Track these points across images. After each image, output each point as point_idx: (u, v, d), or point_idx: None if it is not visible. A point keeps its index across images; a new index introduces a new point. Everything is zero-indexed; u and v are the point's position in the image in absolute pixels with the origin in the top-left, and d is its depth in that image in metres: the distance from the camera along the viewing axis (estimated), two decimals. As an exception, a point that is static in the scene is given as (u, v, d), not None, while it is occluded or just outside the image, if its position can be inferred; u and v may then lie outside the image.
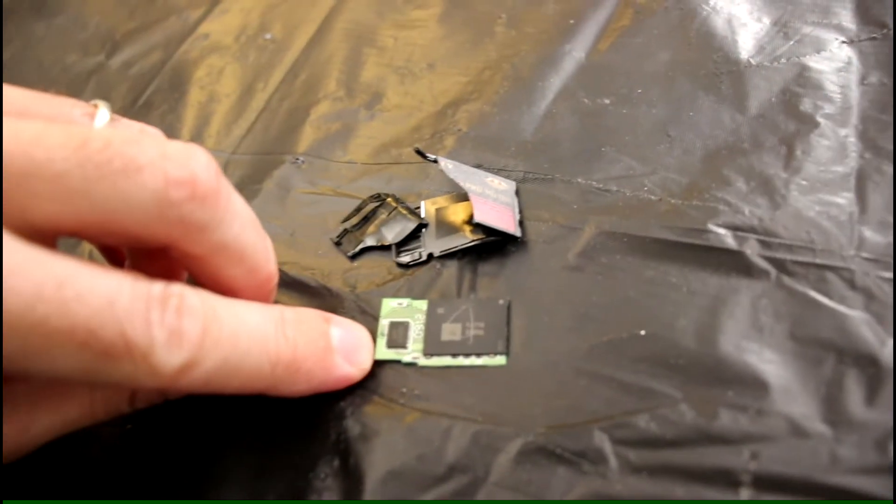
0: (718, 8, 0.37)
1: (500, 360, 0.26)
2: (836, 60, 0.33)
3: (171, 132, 0.39)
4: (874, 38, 0.34)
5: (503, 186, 0.31)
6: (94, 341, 0.20)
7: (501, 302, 0.28)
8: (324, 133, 0.37)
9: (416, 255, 0.30)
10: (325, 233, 0.32)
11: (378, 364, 0.27)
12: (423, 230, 0.31)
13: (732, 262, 0.27)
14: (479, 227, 0.29)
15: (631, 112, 0.34)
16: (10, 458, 0.24)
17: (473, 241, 0.29)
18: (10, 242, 0.19)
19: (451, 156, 0.34)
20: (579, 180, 0.31)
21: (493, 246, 0.30)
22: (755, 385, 0.24)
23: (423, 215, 0.31)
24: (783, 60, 0.34)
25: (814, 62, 0.33)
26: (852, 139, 0.30)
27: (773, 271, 0.26)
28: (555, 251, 0.29)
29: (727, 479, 0.22)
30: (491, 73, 0.38)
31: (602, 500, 0.23)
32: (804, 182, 0.29)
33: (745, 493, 0.22)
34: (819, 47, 0.34)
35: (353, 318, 0.28)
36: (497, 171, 0.33)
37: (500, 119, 0.35)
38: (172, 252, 0.23)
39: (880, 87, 0.32)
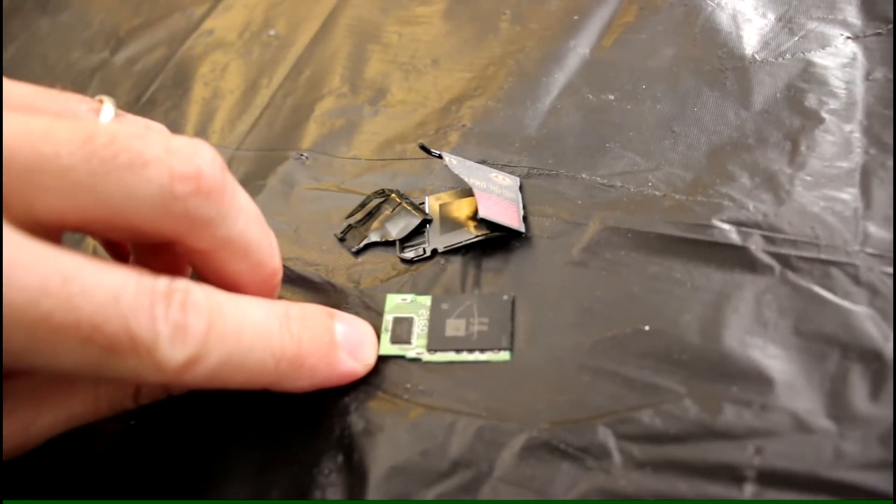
0: (723, 4, 0.37)
1: (504, 355, 0.26)
2: (840, 56, 0.33)
3: (175, 129, 0.39)
4: (879, 34, 0.34)
5: (507, 182, 0.31)
6: (99, 336, 0.20)
7: (505, 297, 0.28)
8: (328, 129, 0.37)
9: (420, 251, 0.30)
10: (329, 229, 0.32)
11: (382, 360, 0.27)
12: (428, 226, 0.31)
13: (736, 258, 0.27)
14: (483, 223, 0.29)
15: (635, 108, 0.34)
16: (13, 455, 0.24)
17: (477, 236, 0.29)
18: (15, 237, 0.19)
19: (456, 151, 0.34)
20: (583, 176, 0.31)
21: (497, 241, 0.30)
22: (759, 380, 0.24)
23: (427, 211, 0.31)
24: (788, 56, 0.34)
25: (818, 58, 0.33)
26: (857, 135, 0.30)
27: (777, 267, 0.26)
28: (559, 247, 0.29)
29: (731, 474, 0.22)
30: (495, 69, 0.38)
31: (606, 495, 0.23)
32: (809, 178, 0.29)
33: (749, 489, 0.22)
34: (824, 43, 0.34)
35: (357, 313, 0.28)
36: (501, 167, 0.33)
37: (505, 115, 0.35)
38: (177, 247, 0.23)
39: (885, 82, 0.31)
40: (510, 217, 0.29)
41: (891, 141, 0.29)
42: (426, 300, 0.28)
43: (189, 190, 0.21)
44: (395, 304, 0.28)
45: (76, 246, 0.34)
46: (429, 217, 0.31)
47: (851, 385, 0.23)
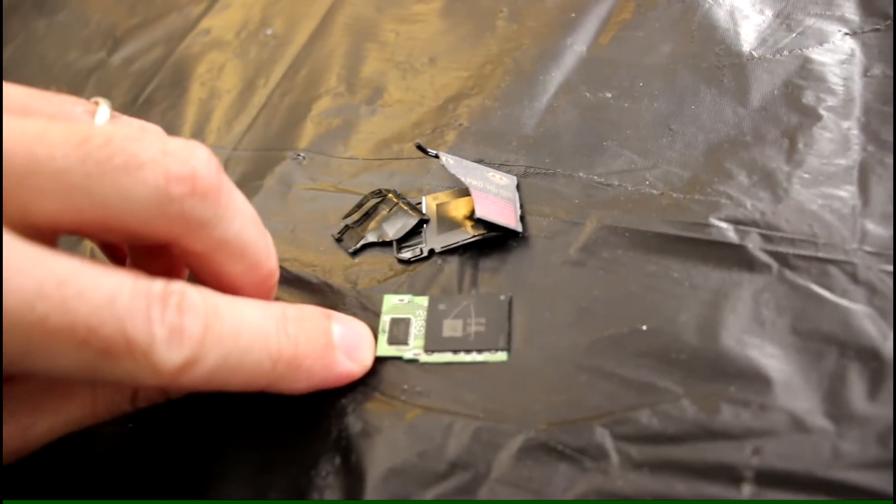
0: (721, 0, 0.37)
1: (501, 356, 0.26)
2: (838, 52, 0.33)
3: (173, 129, 0.39)
4: (877, 30, 0.33)
5: (504, 181, 0.31)
6: (95, 339, 0.20)
7: (503, 297, 0.28)
8: (325, 129, 0.37)
9: (418, 251, 0.30)
10: (326, 229, 0.32)
11: (379, 361, 0.27)
12: (425, 226, 0.31)
13: (734, 256, 0.27)
14: (480, 223, 0.29)
15: (632, 106, 0.34)
16: (12, 459, 0.24)
17: (474, 236, 0.29)
18: (11, 241, 0.19)
19: (453, 151, 0.34)
20: (581, 175, 0.31)
21: (494, 241, 0.30)
22: (757, 380, 0.24)
23: (424, 211, 0.31)
24: (786, 53, 0.34)
25: (816, 54, 0.33)
26: (855, 132, 0.30)
27: (774, 265, 0.26)
28: (556, 246, 0.29)
29: (729, 474, 0.22)
30: (492, 67, 0.38)
31: (603, 496, 0.22)
32: (806, 175, 0.29)
33: (747, 489, 0.22)
34: (822, 39, 0.34)
35: (354, 314, 0.28)
36: (498, 166, 0.33)
37: (502, 113, 0.35)
38: (174, 249, 0.23)
39: (883, 79, 0.31)
40: (507, 217, 0.29)
41: (889, 138, 0.29)
42: (423, 301, 0.28)
43: (185, 191, 0.21)
44: (392, 304, 0.28)
45: (73, 248, 0.34)
46: (426, 217, 0.31)
47: (850, 384, 0.23)
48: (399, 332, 0.28)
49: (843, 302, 0.25)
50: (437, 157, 0.31)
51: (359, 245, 0.31)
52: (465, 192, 0.31)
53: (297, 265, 0.31)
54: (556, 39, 0.38)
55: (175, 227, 0.22)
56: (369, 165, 0.35)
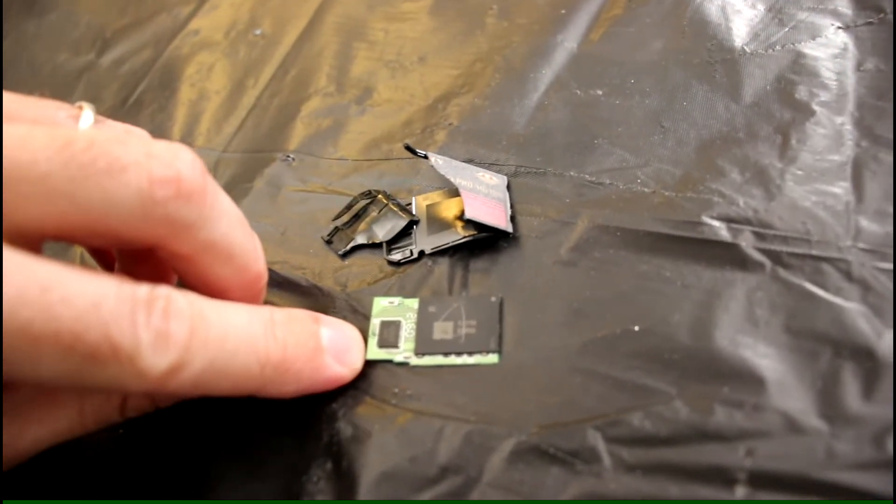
0: (712, -5, 0.37)
1: (492, 358, 0.26)
2: (831, 47, 0.33)
3: (162, 130, 0.39)
4: (870, 24, 0.33)
5: (494, 181, 0.31)
6: (80, 344, 0.19)
7: (493, 299, 0.27)
8: (314, 129, 0.37)
9: (408, 253, 0.30)
10: (316, 231, 0.32)
11: (369, 364, 0.27)
12: (414, 227, 0.30)
13: (727, 255, 0.27)
14: (470, 223, 0.29)
15: (624, 103, 0.33)
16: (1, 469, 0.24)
17: (465, 237, 0.29)
18: None
19: (443, 150, 0.33)
20: (572, 173, 0.31)
21: (484, 242, 0.29)
22: (751, 380, 0.23)
23: (414, 212, 0.31)
24: (778, 47, 0.33)
25: (809, 49, 0.33)
26: (848, 127, 0.29)
27: (768, 263, 0.26)
28: (547, 246, 0.29)
29: (722, 476, 0.22)
30: (482, 65, 0.37)
31: (596, 499, 0.22)
32: (800, 172, 0.28)
33: (740, 491, 0.21)
34: (814, 33, 0.33)
35: (344, 317, 0.28)
36: (489, 166, 0.32)
37: (492, 112, 0.35)
38: (160, 252, 0.23)
39: (877, 73, 0.31)
40: (497, 217, 0.29)
41: (882, 133, 0.29)
42: (413, 303, 0.28)
43: (169, 194, 0.21)
44: (383, 307, 0.28)
45: (63, 253, 0.33)
46: (416, 218, 0.31)
47: (844, 384, 0.23)
48: (389, 334, 0.27)
49: (837, 300, 0.25)
50: (425, 157, 0.31)
51: (348, 247, 0.31)
52: (455, 192, 0.31)
53: (287, 268, 0.31)
54: (546, 36, 0.37)
55: (160, 230, 0.22)
56: (359, 166, 0.34)
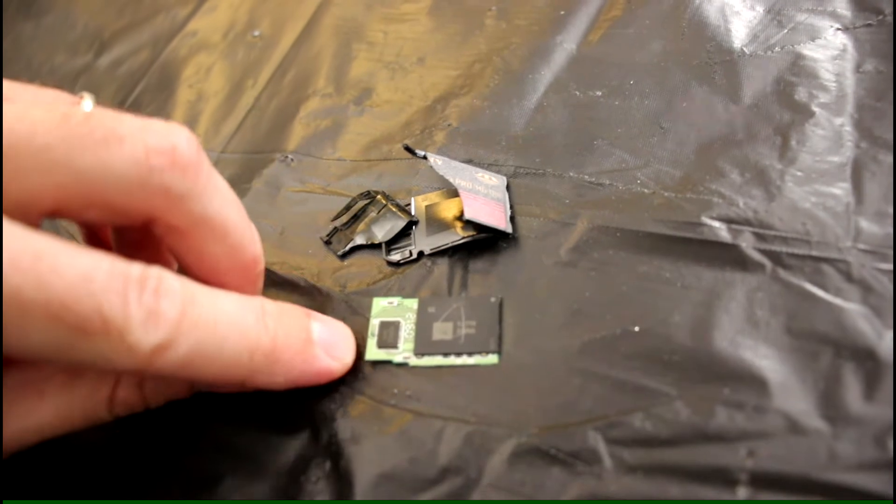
0: (711, -4, 0.37)
1: (492, 358, 0.26)
2: (830, 48, 0.33)
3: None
4: (870, 25, 0.33)
5: (494, 182, 0.31)
6: (69, 315, 0.20)
7: (493, 299, 0.27)
8: (313, 130, 0.37)
9: (407, 254, 0.30)
10: (314, 231, 0.32)
11: (369, 365, 0.27)
12: (414, 228, 0.30)
13: (727, 256, 0.27)
14: (469, 224, 0.29)
15: (623, 104, 0.33)
16: None
17: (464, 238, 0.29)
18: None
19: (442, 151, 0.33)
20: (571, 174, 0.31)
21: (484, 242, 0.29)
22: (751, 381, 0.23)
23: (413, 212, 0.31)
24: (777, 49, 0.33)
25: (808, 50, 0.33)
26: (848, 128, 0.29)
27: (768, 264, 0.26)
28: (547, 247, 0.29)
29: (724, 478, 0.22)
30: (481, 66, 0.37)
31: (597, 500, 0.22)
32: (799, 173, 0.28)
33: (742, 493, 0.21)
34: (813, 35, 0.33)
35: (343, 318, 0.28)
36: (488, 166, 0.32)
37: (491, 113, 0.35)
38: (156, 228, 0.23)
39: (876, 74, 0.31)
40: (497, 218, 0.29)
41: (882, 134, 0.29)
42: (413, 303, 0.28)
43: (164, 163, 0.22)
44: (382, 307, 0.28)
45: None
46: (415, 219, 0.30)
47: (845, 384, 0.23)
48: (388, 335, 0.27)
49: (838, 301, 0.25)
50: (424, 157, 0.31)
51: (347, 248, 0.31)
52: (454, 192, 0.31)
53: (286, 268, 0.31)
54: (545, 37, 0.37)
55: (156, 200, 0.22)
56: (358, 167, 0.34)
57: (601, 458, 0.23)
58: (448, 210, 0.30)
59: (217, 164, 0.36)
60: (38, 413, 0.24)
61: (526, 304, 0.27)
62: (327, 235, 0.31)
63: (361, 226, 0.31)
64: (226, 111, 0.39)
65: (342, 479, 0.24)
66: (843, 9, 0.34)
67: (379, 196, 0.32)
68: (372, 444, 0.25)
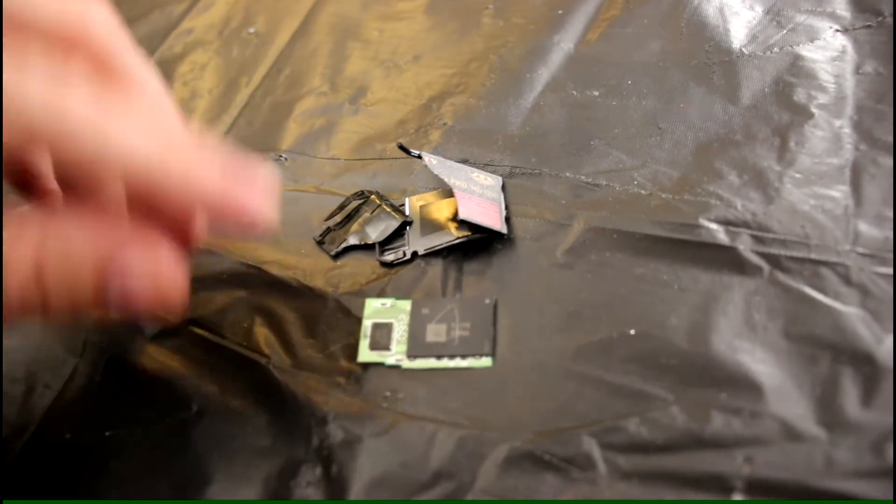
0: (710, -4, 0.36)
1: (486, 361, 0.26)
2: (830, 49, 0.32)
3: (153, 129, 0.39)
4: (869, 27, 0.33)
5: (489, 182, 0.31)
6: None
7: (487, 301, 0.27)
8: (307, 129, 0.36)
9: (400, 254, 0.29)
10: (308, 231, 0.31)
11: (361, 366, 0.26)
12: (408, 228, 0.30)
13: (725, 258, 0.26)
14: (464, 224, 0.29)
15: (621, 104, 0.33)
16: None
17: (458, 238, 0.29)
18: None
19: (437, 150, 0.33)
20: (568, 175, 0.31)
21: (479, 243, 0.29)
22: (748, 386, 0.23)
23: (407, 212, 0.31)
24: (776, 49, 0.33)
25: (807, 51, 0.33)
26: (847, 130, 0.29)
27: (766, 267, 0.26)
28: (542, 248, 0.28)
29: (720, 484, 0.21)
30: (478, 64, 0.37)
31: (591, 507, 0.22)
32: (798, 175, 0.28)
33: (738, 500, 0.21)
34: (813, 36, 0.33)
35: (335, 319, 0.28)
36: (483, 166, 0.32)
37: (487, 112, 0.34)
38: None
39: (876, 76, 0.31)
40: (492, 218, 0.29)
41: (881, 136, 0.28)
42: (406, 305, 0.28)
43: None
44: (375, 308, 0.28)
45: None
46: (409, 219, 0.30)
47: (843, 390, 0.23)
48: (381, 337, 0.27)
49: (836, 304, 0.24)
50: (419, 157, 0.30)
51: (341, 248, 0.30)
52: (449, 192, 0.30)
53: (278, 268, 0.30)
54: (543, 36, 0.37)
55: None
56: (352, 166, 0.34)
57: (596, 464, 0.23)
58: (442, 210, 0.30)
59: (210, 162, 0.36)
60: None
61: (521, 306, 0.27)
62: (320, 235, 0.31)
63: (355, 226, 0.31)
64: (220, 109, 0.39)
65: (333, 484, 0.24)
66: (843, 10, 0.34)
67: (373, 196, 0.31)
68: (363, 448, 0.24)
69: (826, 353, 0.23)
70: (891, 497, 0.20)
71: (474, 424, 0.24)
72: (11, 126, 0.20)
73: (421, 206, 0.31)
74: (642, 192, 0.29)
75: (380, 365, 0.26)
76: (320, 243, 0.31)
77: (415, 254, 0.29)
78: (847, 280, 0.25)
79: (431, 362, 0.26)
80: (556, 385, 0.25)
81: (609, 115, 0.33)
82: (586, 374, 0.25)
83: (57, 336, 0.29)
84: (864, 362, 0.23)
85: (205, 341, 0.28)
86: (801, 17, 0.34)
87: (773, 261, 0.26)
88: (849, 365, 0.23)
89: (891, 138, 0.28)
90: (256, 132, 0.37)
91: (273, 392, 0.26)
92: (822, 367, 0.23)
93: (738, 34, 0.34)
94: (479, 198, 0.29)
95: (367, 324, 0.27)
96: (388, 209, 0.31)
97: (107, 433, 0.26)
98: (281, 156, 0.35)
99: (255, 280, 0.30)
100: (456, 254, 0.29)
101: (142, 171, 0.21)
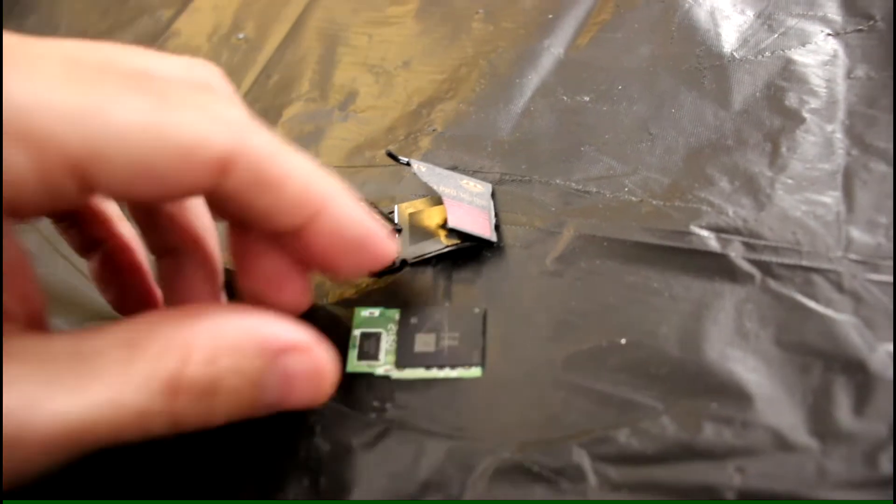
0: (701, 0, 0.36)
1: (475, 371, 0.25)
2: (821, 53, 0.32)
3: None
4: (860, 31, 0.33)
5: (479, 189, 0.30)
6: None
7: (477, 310, 0.27)
8: (296, 135, 0.36)
9: (389, 263, 0.29)
10: (296, 239, 0.31)
11: (349, 377, 0.26)
12: (397, 236, 0.30)
13: (716, 266, 0.26)
14: (453, 232, 0.28)
15: (611, 109, 0.33)
16: (16, 471, 0.19)
17: (448, 246, 0.28)
18: None
19: (426, 157, 0.33)
20: (558, 181, 0.30)
21: (468, 251, 0.29)
22: (740, 395, 0.23)
23: (396, 220, 0.30)
24: (767, 54, 0.33)
25: (799, 55, 0.32)
26: (839, 135, 0.29)
27: (757, 274, 0.25)
28: (532, 256, 0.28)
29: (711, 495, 0.21)
30: (467, 70, 0.37)
31: (581, 519, 0.22)
32: (790, 180, 0.28)
33: (729, 511, 0.21)
34: (804, 40, 0.33)
35: (324, 328, 0.27)
36: (473, 173, 0.32)
37: (477, 118, 0.34)
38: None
39: (867, 80, 0.31)
40: (481, 226, 0.28)
41: (873, 141, 0.28)
42: (395, 314, 0.27)
43: None
44: (363, 318, 0.27)
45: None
46: (398, 227, 0.30)
47: (835, 399, 0.22)
48: (370, 346, 0.27)
49: (829, 312, 0.24)
50: (408, 164, 0.30)
51: (329, 256, 0.30)
52: (438, 200, 0.30)
53: (266, 277, 0.30)
54: (533, 41, 0.37)
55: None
56: (341, 173, 0.33)
57: (586, 476, 0.22)
58: (432, 218, 0.30)
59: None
60: (89, 391, 0.19)
61: (510, 315, 0.27)
62: (309, 243, 0.31)
63: (343, 234, 0.30)
64: (208, 115, 0.39)
65: (321, 496, 0.24)
66: (834, 14, 0.34)
67: (362, 203, 0.31)
68: (351, 460, 0.24)
69: (818, 361, 0.23)
70: (884, 508, 0.20)
71: (463, 435, 0.24)
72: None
73: (410, 214, 0.30)
74: (633, 198, 0.29)
75: (368, 375, 0.26)
76: (308, 251, 0.30)
77: (404, 262, 0.29)
78: (839, 287, 0.25)
79: (420, 372, 0.26)
80: (545, 395, 0.24)
81: (599, 120, 0.32)
82: (576, 384, 0.24)
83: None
84: (856, 370, 0.23)
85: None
86: (792, 21, 0.34)
87: (765, 268, 0.25)
88: (841, 373, 0.23)
89: (882, 143, 0.28)
90: (245, 139, 0.37)
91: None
92: (814, 376, 0.23)
93: (729, 38, 0.34)
94: (468, 205, 0.29)
95: (355, 333, 0.27)
96: (378, 217, 0.30)
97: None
98: (269, 163, 0.35)
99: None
100: (445, 262, 0.29)
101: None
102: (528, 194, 0.30)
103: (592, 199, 0.29)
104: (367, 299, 0.28)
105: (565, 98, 0.34)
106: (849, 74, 0.31)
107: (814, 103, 0.30)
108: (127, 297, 0.28)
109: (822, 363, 0.23)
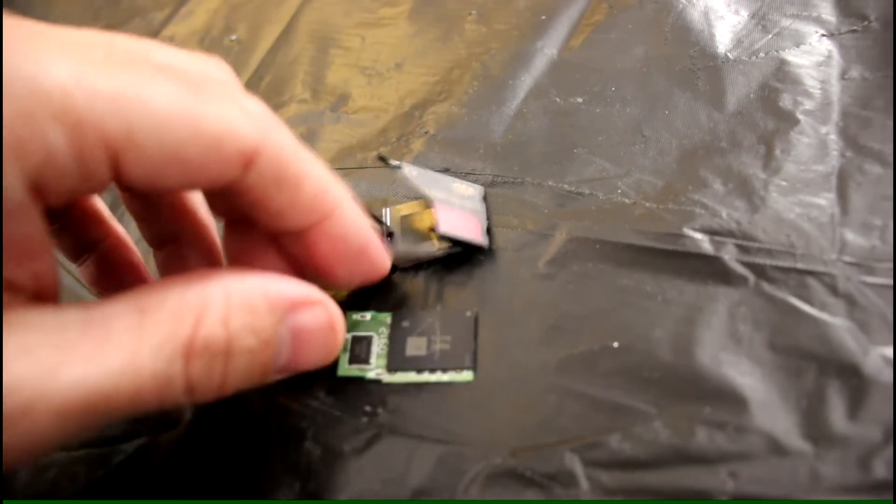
0: (694, 0, 0.36)
1: (467, 375, 0.25)
2: (815, 54, 0.32)
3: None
4: (855, 31, 0.32)
5: (470, 192, 0.30)
6: None
7: (469, 314, 0.27)
8: (288, 137, 0.36)
9: (383, 278, 0.29)
10: (287, 242, 0.31)
11: (341, 381, 0.26)
12: (389, 239, 0.29)
13: (709, 269, 0.26)
14: (445, 238, 0.28)
15: (604, 111, 0.32)
16: (25, 427, 0.18)
17: (439, 249, 0.28)
18: None
19: (419, 159, 0.32)
20: (550, 183, 0.30)
21: (460, 254, 0.28)
22: (733, 400, 0.23)
23: (388, 223, 0.30)
24: (762, 54, 0.33)
25: (793, 56, 0.32)
26: (833, 137, 0.29)
27: (751, 277, 0.25)
28: (524, 259, 0.28)
29: (704, 500, 0.21)
30: (460, 72, 0.36)
31: (573, 525, 0.21)
32: (784, 182, 0.28)
33: (722, 516, 0.21)
34: (798, 41, 0.33)
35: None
36: (465, 175, 0.31)
37: (469, 120, 0.34)
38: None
39: (861, 81, 0.30)
40: (472, 230, 0.28)
41: (867, 143, 0.28)
42: (386, 317, 0.27)
43: None
44: (354, 321, 0.27)
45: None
46: (390, 230, 0.30)
47: (829, 403, 0.22)
48: (361, 350, 0.26)
49: (823, 315, 0.24)
50: (399, 167, 0.30)
51: (320, 259, 0.30)
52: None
53: (257, 281, 0.30)
54: (526, 43, 0.37)
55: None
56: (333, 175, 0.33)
57: (578, 481, 0.22)
58: (423, 221, 0.29)
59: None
60: (103, 357, 0.19)
61: (502, 318, 0.26)
62: (300, 246, 0.30)
63: (335, 237, 0.30)
64: (200, 117, 0.38)
65: (311, 501, 0.23)
66: (828, 14, 0.34)
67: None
68: (342, 465, 0.24)
69: (812, 365, 0.23)
70: (878, 513, 0.20)
71: (455, 440, 0.24)
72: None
73: (402, 217, 0.30)
74: (626, 200, 0.29)
75: (359, 379, 0.26)
76: (300, 255, 0.30)
77: (395, 267, 0.28)
78: (833, 290, 0.24)
79: (412, 376, 0.25)
80: (537, 399, 0.24)
81: (592, 122, 0.32)
82: (568, 388, 0.24)
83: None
84: (850, 374, 0.23)
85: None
86: (786, 22, 0.34)
87: (759, 271, 0.25)
88: (835, 377, 0.23)
89: (877, 145, 0.28)
90: (237, 141, 0.37)
91: (250, 407, 0.26)
92: (807, 380, 0.23)
93: (723, 39, 0.34)
94: (459, 209, 0.29)
95: (346, 337, 0.27)
96: (370, 220, 0.30)
97: (82, 451, 0.26)
98: (261, 165, 0.35)
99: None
100: (437, 265, 0.28)
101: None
102: (520, 196, 0.30)
103: (585, 202, 0.29)
104: (358, 303, 0.28)
105: (558, 100, 0.34)
106: (843, 75, 0.31)
107: (808, 104, 0.30)
108: None
109: (816, 367, 0.23)
